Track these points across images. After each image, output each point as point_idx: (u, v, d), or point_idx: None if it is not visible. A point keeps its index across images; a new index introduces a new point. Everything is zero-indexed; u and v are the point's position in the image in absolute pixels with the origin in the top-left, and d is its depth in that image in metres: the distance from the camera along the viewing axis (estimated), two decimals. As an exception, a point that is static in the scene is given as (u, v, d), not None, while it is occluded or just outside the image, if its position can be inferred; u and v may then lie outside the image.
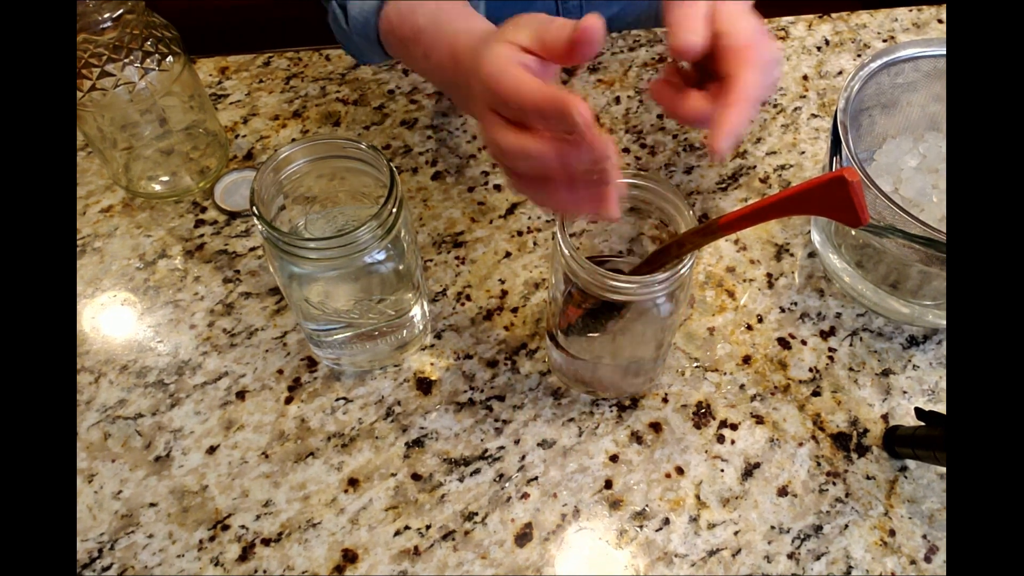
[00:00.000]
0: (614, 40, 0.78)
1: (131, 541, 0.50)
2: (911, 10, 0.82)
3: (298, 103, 0.73)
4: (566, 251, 0.44)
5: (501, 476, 0.52)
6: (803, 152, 0.70)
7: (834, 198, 0.36)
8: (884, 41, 0.79)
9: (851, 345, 0.59)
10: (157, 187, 0.66)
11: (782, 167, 0.69)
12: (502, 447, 0.54)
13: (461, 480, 0.52)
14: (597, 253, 0.54)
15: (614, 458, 0.53)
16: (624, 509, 0.51)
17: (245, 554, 0.50)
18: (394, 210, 0.46)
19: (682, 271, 0.44)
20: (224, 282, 0.61)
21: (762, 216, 0.40)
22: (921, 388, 0.57)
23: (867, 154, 0.63)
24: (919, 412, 0.51)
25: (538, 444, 0.54)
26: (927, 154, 0.60)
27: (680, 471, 0.53)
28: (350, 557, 0.49)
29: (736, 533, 0.51)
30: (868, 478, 0.53)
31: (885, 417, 0.55)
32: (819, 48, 0.78)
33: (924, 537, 0.51)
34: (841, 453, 0.54)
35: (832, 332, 0.59)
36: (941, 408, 0.55)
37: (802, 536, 0.51)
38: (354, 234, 0.44)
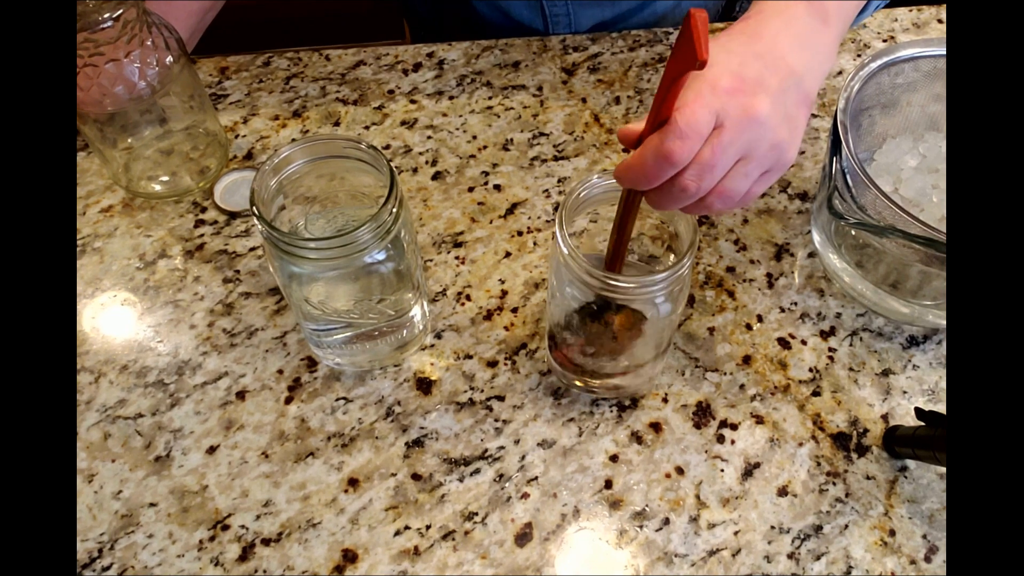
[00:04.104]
0: (614, 40, 0.78)
1: (131, 541, 0.50)
2: (911, 10, 0.82)
3: (298, 103, 0.73)
4: (565, 250, 0.44)
5: (501, 476, 0.52)
6: (803, 152, 0.70)
7: (685, 42, 0.34)
8: (884, 41, 0.79)
9: (851, 345, 0.59)
10: (157, 187, 0.66)
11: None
12: (502, 447, 0.54)
13: (461, 480, 0.52)
14: (597, 253, 0.54)
15: (614, 458, 0.53)
16: (624, 509, 0.51)
17: (245, 554, 0.50)
18: (394, 210, 0.46)
19: (682, 271, 0.44)
20: (224, 282, 0.61)
21: (656, 106, 0.39)
22: (921, 388, 0.57)
23: (867, 154, 0.63)
24: (919, 412, 0.51)
25: (538, 444, 0.54)
26: (927, 154, 0.60)
27: (680, 471, 0.53)
28: (350, 557, 0.49)
29: (736, 533, 0.51)
30: (868, 478, 0.53)
31: (885, 417, 0.55)
32: (819, 48, 0.78)
33: (924, 537, 0.51)
34: (841, 453, 0.54)
35: (832, 332, 0.59)
36: (941, 408, 0.55)
37: (802, 536, 0.51)
38: (354, 234, 0.44)
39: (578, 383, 0.55)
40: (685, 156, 0.39)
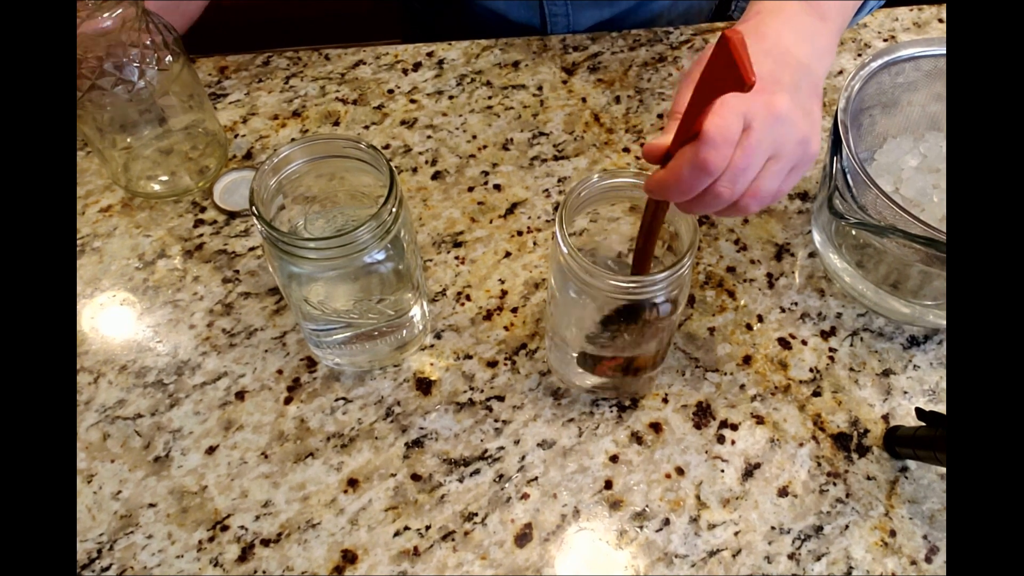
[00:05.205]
0: (614, 39, 0.78)
1: (130, 542, 0.50)
2: (911, 10, 0.82)
3: (297, 103, 0.73)
4: (565, 250, 0.44)
5: (501, 476, 0.52)
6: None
7: (725, 65, 0.34)
8: (885, 41, 0.79)
9: (852, 345, 0.59)
10: (156, 187, 0.66)
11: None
12: (502, 447, 0.53)
13: (461, 480, 0.52)
14: (597, 252, 0.54)
15: (614, 458, 0.53)
16: (624, 509, 0.51)
17: (244, 555, 0.49)
18: (394, 210, 0.46)
19: (682, 271, 0.44)
20: (223, 282, 0.61)
21: (687, 122, 0.39)
22: (922, 388, 0.57)
23: (868, 154, 0.63)
24: (920, 412, 0.50)
25: (538, 444, 0.54)
26: (928, 154, 0.60)
27: (680, 471, 0.53)
28: (349, 558, 0.49)
29: (736, 534, 0.50)
30: (869, 478, 0.53)
31: (886, 417, 0.55)
32: (819, 48, 0.78)
33: (925, 538, 0.51)
34: (842, 453, 0.54)
35: (833, 332, 0.59)
36: (942, 408, 0.55)
37: (802, 537, 0.50)
38: (354, 234, 0.44)
39: (579, 383, 0.55)
40: (721, 165, 0.39)
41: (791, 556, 0.50)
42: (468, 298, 0.60)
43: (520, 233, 0.64)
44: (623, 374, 0.53)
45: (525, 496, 0.52)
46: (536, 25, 0.81)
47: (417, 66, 0.76)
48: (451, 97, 0.73)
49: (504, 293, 0.61)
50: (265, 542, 0.50)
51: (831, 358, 0.58)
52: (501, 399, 0.56)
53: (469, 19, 0.84)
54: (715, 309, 0.60)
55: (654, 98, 0.73)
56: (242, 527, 0.50)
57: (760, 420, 0.55)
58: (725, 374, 0.57)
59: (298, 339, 0.58)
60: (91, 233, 0.64)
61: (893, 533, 0.51)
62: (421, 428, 0.54)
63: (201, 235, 0.64)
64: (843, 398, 0.56)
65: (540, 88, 0.74)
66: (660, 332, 0.50)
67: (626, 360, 0.51)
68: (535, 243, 0.63)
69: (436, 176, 0.68)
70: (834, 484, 0.52)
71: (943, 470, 0.52)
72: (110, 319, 0.60)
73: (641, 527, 0.51)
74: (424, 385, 0.56)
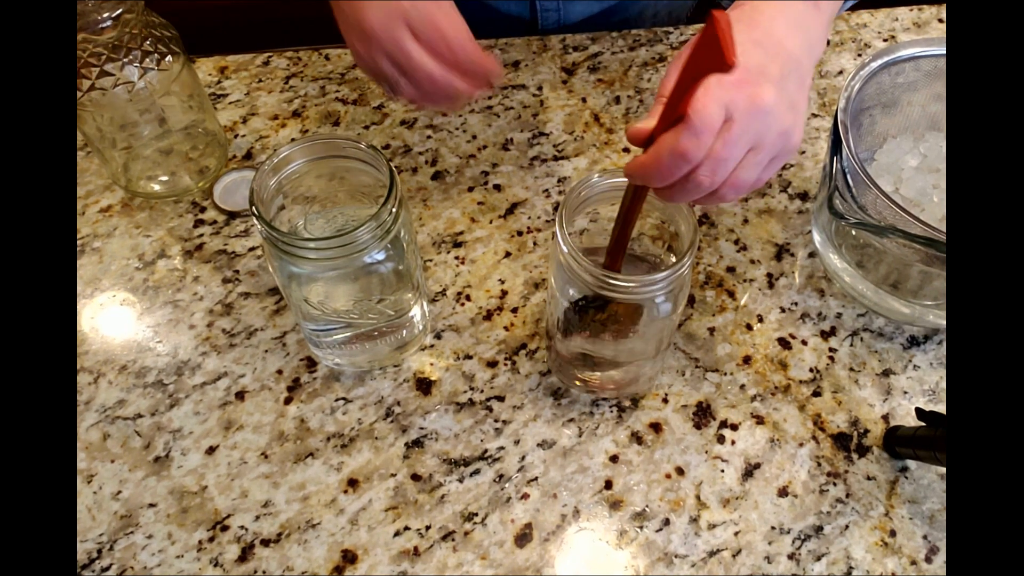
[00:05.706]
0: (614, 40, 0.78)
1: (130, 542, 0.50)
2: (911, 9, 0.82)
3: (297, 103, 0.73)
4: (566, 250, 0.44)
5: (501, 476, 0.52)
6: (803, 152, 0.70)
7: (710, 45, 0.34)
8: (884, 40, 0.79)
9: (852, 345, 0.59)
10: (156, 187, 0.66)
11: (783, 167, 0.68)
12: (502, 447, 0.53)
13: (461, 480, 0.52)
14: (596, 252, 0.54)
15: (614, 458, 0.53)
16: (624, 509, 0.51)
17: (244, 555, 0.49)
18: (394, 210, 0.46)
19: (682, 271, 0.44)
20: (223, 282, 0.61)
21: (672, 105, 0.39)
22: (922, 388, 0.57)
23: (868, 154, 0.63)
24: (920, 412, 0.50)
25: (538, 444, 0.54)
26: (928, 154, 0.60)
27: (680, 471, 0.53)
28: (349, 558, 0.49)
29: (736, 534, 0.50)
30: (869, 479, 0.53)
31: (886, 417, 0.55)
32: (819, 48, 0.78)
33: (925, 538, 0.51)
34: (842, 453, 0.54)
35: (833, 332, 0.59)
36: (942, 408, 0.55)
37: (803, 537, 0.50)
38: (354, 234, 0.44)
39: (578, 381, 0.55)
40: (700, 153, 0.40)
41: (791, 556, 0.50)
42: (468, 298, 0.60)
43: (520, 233, 0.64)
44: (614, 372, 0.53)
45: (525, 496, 0.52)
46: (526, 17, 0.80)
47: (417, 66, 0.76)
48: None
49: (504, 293, 0.61)
50: (265, 542, 0.50)
51: (831, 358, 0.58)
52: (501, 399, 0.56)
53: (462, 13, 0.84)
54: (715, 309, 0.60)
55: (654, 98, 0.73)
56: (242, 527, 0.50)
57: (760, 420, 0.55)
58: (725, 374, 0.57)
59: (298, 339, 0.58)
60: (91, 233, 0.64)
61: (893, 533, 0.51)
62: (421, 428, 0.54)
63: (201, 235, 0.64)
64: (843, 398, 0.56)
65: (540, 88, 0.74)
66: (660, 332, 0.50)
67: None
68: (535, 243, 0.64)
69: (436, 176, 0.68)
70: (834, 484, 0.52)
71: (943, 470, 0.52)
72: (110, 319, 0.60)
73: (641, 527, 0.51)
74: (424, 385, 0.56)
